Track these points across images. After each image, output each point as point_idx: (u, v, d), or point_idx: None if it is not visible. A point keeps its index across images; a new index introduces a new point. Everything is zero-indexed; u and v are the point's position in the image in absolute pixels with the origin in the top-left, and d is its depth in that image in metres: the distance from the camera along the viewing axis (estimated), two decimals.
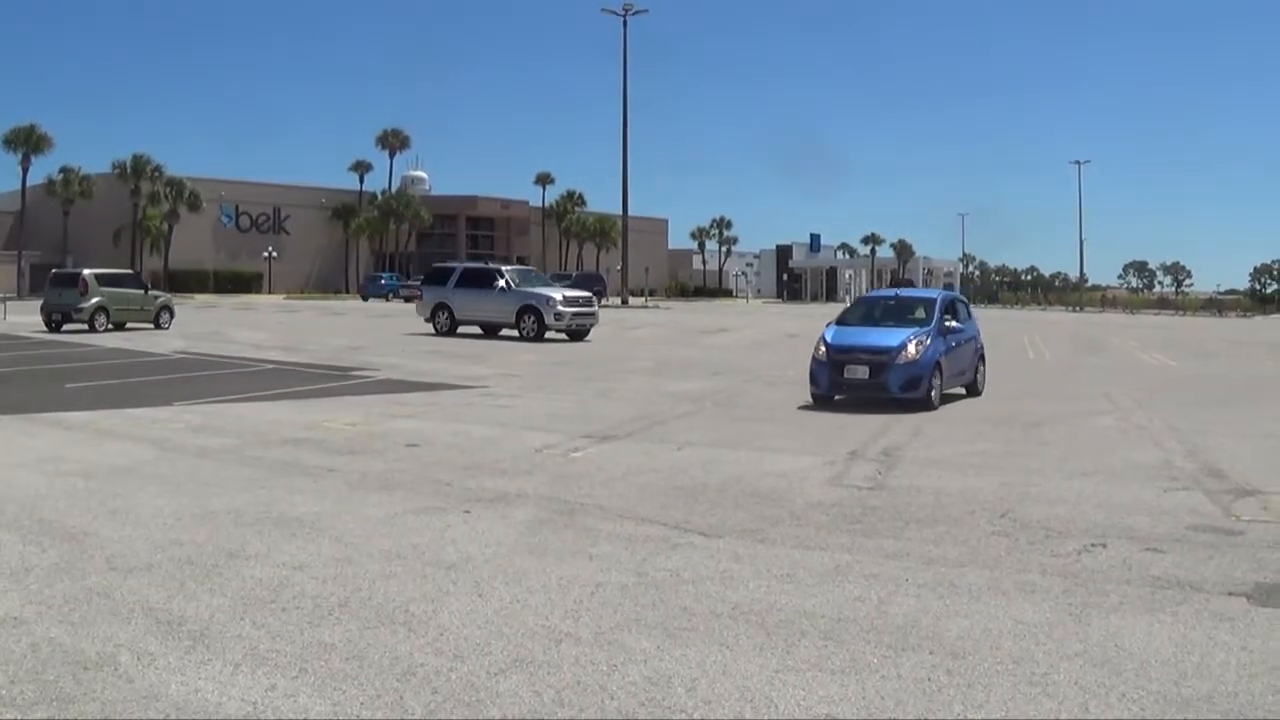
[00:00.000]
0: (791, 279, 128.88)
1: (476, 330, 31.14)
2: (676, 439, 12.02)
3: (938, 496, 8.94)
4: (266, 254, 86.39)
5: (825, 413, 14.85)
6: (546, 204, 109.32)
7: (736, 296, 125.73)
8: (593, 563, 6.82)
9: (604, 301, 73.08)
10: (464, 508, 8.31)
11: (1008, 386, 19.35)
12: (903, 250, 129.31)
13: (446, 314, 31.30)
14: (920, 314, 15.98)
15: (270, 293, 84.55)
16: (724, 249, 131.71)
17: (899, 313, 16.30)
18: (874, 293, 19.43)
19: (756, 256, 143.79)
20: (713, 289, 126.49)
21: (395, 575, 6.47)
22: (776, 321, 52.13)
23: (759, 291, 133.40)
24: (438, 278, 32.73)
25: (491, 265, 33.59)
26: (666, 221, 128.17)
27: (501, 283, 30.64)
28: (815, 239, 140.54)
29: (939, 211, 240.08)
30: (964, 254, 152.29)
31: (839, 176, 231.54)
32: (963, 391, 16.85)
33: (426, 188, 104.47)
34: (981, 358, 17.53)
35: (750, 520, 8.05)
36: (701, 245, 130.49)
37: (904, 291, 17.57)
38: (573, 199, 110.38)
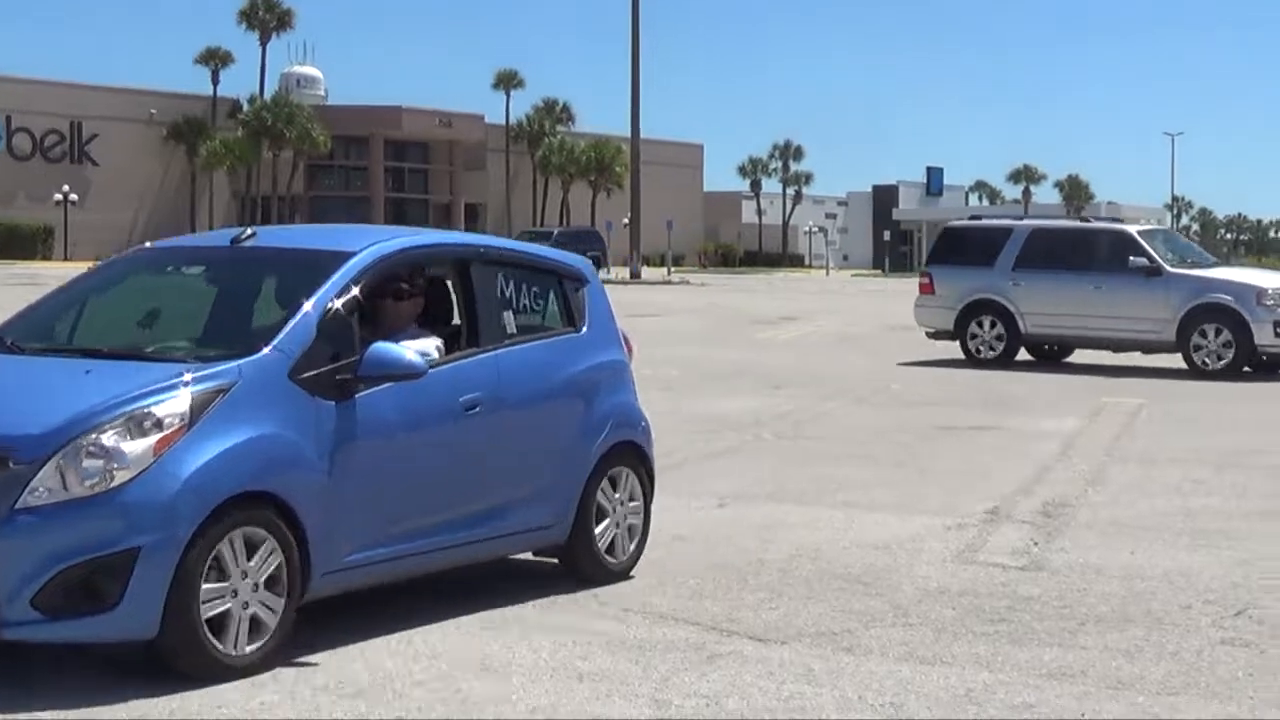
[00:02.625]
0: (897, 238, 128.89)
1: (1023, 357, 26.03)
2: (716, 488, 12.05)
3: (1130, 581, 8.94)
4: (61, 196, 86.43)
5: (950, 443, 14.87)
6: (512, 121, 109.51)
7: (811, 265, 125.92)
8: (583, 685, 6.84)
9: (604, 272, 73.53)
10: (383, 597, 8.32)
11: (1242, 408, 19.34)
12: (1074, 191, 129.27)
13: (998, 322, 25.74)
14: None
15: (68, 258, 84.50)
16: (791, 191, 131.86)
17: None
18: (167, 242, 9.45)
19: (842, 203, 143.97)
20: (773, 254, 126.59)
21: (270, 709, 6.50)
22: (872, 304, 52.13)
23: (846, 258, 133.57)
24: (971, 246, 27.05)
25: (1096, 222, 28.97)
26: (701, 149, 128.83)
27: (1137, 258, 24.93)
28: (935, 176, 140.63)
29: (1133, 135, 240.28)
30: (1173, 197, 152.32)
31: (973, 82, 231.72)
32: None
33: (321, 94, 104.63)
34: (626, 451, 9.28)
35: (831, 617, 8.09)
36: (756, 186, 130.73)
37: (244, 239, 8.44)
38: (553, 113, 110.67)
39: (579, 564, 8.90)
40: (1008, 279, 25.70)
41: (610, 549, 8.98)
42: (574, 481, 8.78)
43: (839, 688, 6.82)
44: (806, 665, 7.16)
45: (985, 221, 30.16)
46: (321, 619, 7.80)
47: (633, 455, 9.28)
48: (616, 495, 9.10)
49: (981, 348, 25.75)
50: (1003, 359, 25.49)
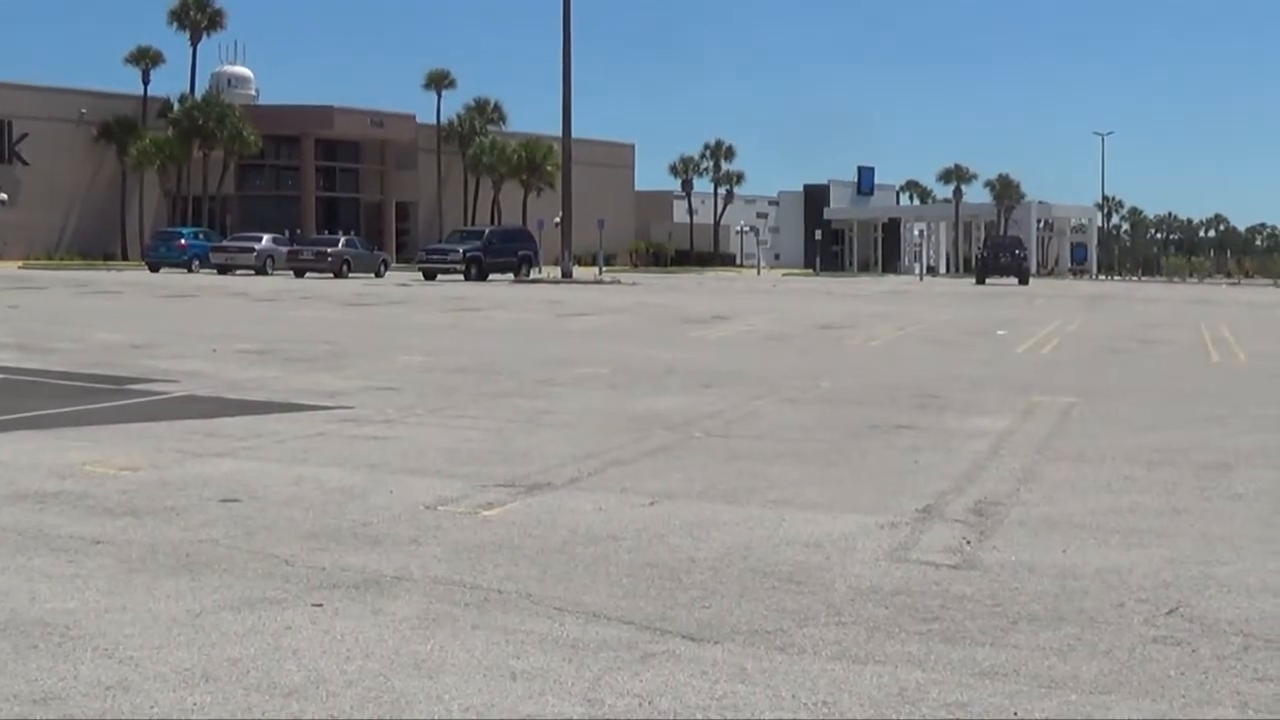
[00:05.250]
0: (828, 237, 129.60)
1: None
2: (647, 488, 12.01)
3: (1063, 579, 8.95)
4: None
5: (881, 441, 14.88)
6: (443, 120, 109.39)
7: (743, 265, 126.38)
8: (516, 684, 6.78)
9: (536, 271, 73.51)
10: (312, 599, 8.27)
11: (1173, 406, 19.49)
12: (1004, 191, 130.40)
13: None
14: None
15: None
16: (722, 191, 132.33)
17: None
18: None
19: (773, 203, 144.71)
20: (705, 253, 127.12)
21: (202, 709, 6.40)
22: (804, 304, 52.35)
23: (777, 257, 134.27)
24: None
25: None
26: (633, 149, 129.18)
27: None
28: (866, 175, 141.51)
29: (1062, 134, 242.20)
30: (1104, 197, 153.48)
31: (903, 82, 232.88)
32: None
33: (252, 93, 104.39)
34: None
35: (764, 616, 8.04)
36: (687, 186, 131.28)
37: None
38: (484, 113, 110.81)
39: None
40: None
41: None
42: None
43: (772, 686, 6.79)
44: (739, 664, 7.12)
45: None
46: (249, 619, 7.73)
47: None
48: None
49: None
50: None
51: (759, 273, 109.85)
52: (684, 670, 7.01)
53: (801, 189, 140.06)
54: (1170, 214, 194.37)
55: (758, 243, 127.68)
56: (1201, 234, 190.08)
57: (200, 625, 7.71)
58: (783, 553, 9.64)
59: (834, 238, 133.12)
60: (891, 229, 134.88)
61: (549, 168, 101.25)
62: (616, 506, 11.15)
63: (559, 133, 78.49)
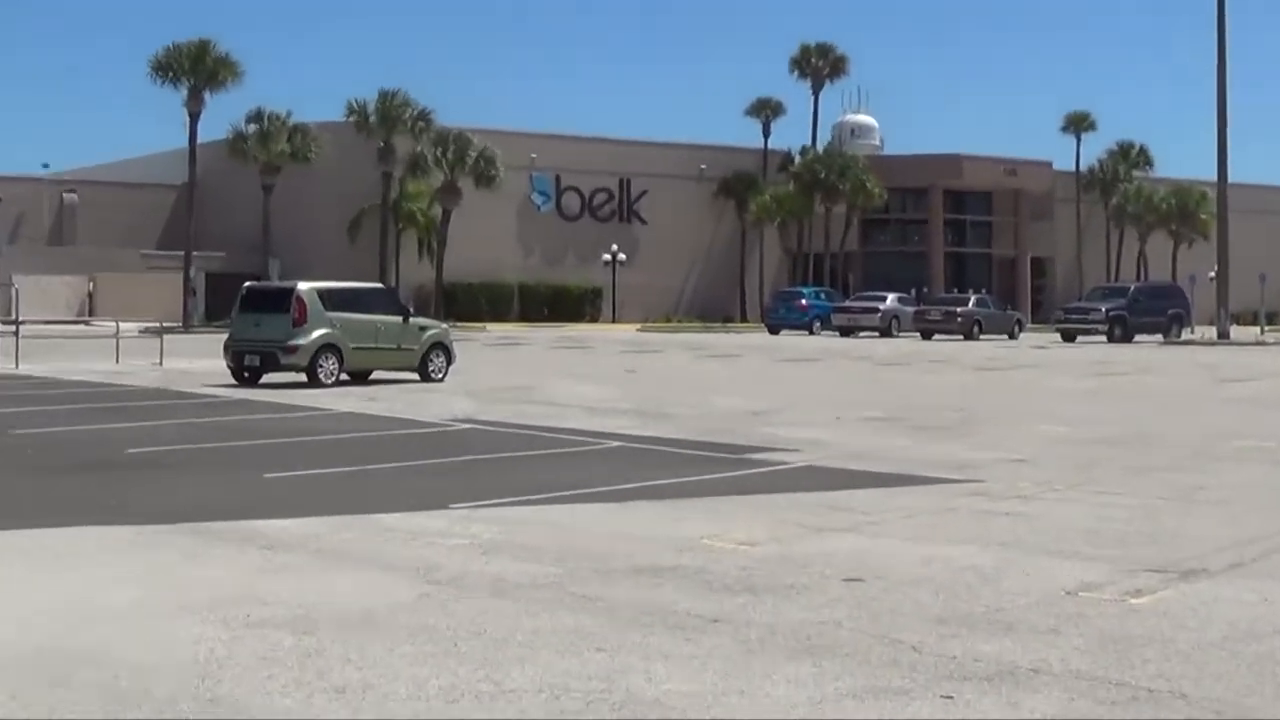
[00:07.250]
0: None
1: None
2: None
3: None
4: (609, 257, 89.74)
5: None
6: (1083, 166, 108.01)
7: None
8: None
9: (1188, 332, 71.53)
10: (941, 690, 8.24)
11: None
12: None
13: None
14: None
15: (616, 320, 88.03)
16: None
17: None
18: None
19: None
20: None
21: None
22: None
23: None
24: None
25: None
26: None
27: None
28: None
29: None
30: None
31: None
32: None
33: (876, 143, 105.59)
34: None
35: None
36: None
37: None
38: (1128, 157, 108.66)
39: None
40: None
41: None
42: None
43: None
44: None
45: None
46: (873, 709, 7.76)
47: None
48: None
49: None
50: None
51: None
52: None
53: None
54: None
55: None
56: None
57: (822, 714, 7.78)
58: None
59: None
60: None
61: (1203, 216, 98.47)
62: None
63: (1213, 177, 76.27)
